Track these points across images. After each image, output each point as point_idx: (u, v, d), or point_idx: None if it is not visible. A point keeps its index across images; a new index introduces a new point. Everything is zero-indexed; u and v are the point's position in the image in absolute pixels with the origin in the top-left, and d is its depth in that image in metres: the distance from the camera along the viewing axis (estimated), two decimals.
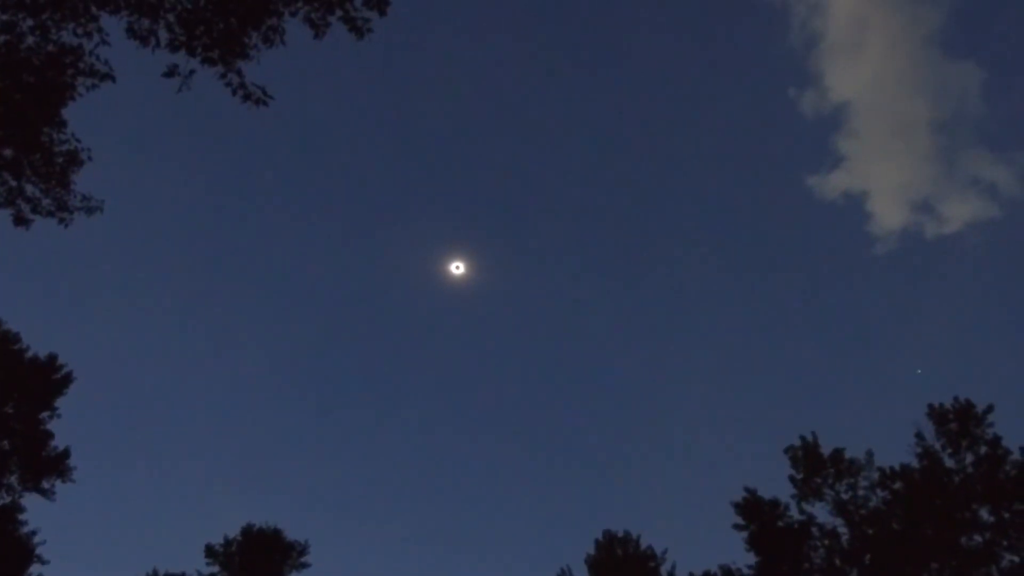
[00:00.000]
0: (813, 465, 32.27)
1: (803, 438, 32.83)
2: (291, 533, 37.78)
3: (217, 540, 37.25)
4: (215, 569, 36.50)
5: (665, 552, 35.24)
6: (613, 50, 75.12)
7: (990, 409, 30.56)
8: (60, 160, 13.99)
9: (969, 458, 30.33)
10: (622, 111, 77.16)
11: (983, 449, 30.10)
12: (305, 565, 37.68)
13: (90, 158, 14.24)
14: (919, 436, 31.31)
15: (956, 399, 31.06)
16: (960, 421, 30.59)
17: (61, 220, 14.61)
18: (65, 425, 36.34)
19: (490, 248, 79.19)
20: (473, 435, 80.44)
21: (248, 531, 37.48)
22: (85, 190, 14.62)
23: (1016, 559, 29.29)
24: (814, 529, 31.83)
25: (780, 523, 32.12)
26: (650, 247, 79.44)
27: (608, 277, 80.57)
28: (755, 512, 32.48)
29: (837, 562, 31.44)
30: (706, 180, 75.93)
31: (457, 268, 62.38)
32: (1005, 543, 29.60)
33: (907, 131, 69.63)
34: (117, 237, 73.19)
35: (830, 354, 70.90)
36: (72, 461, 31.06)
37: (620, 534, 36.42)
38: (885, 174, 72.28)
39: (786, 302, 74.21)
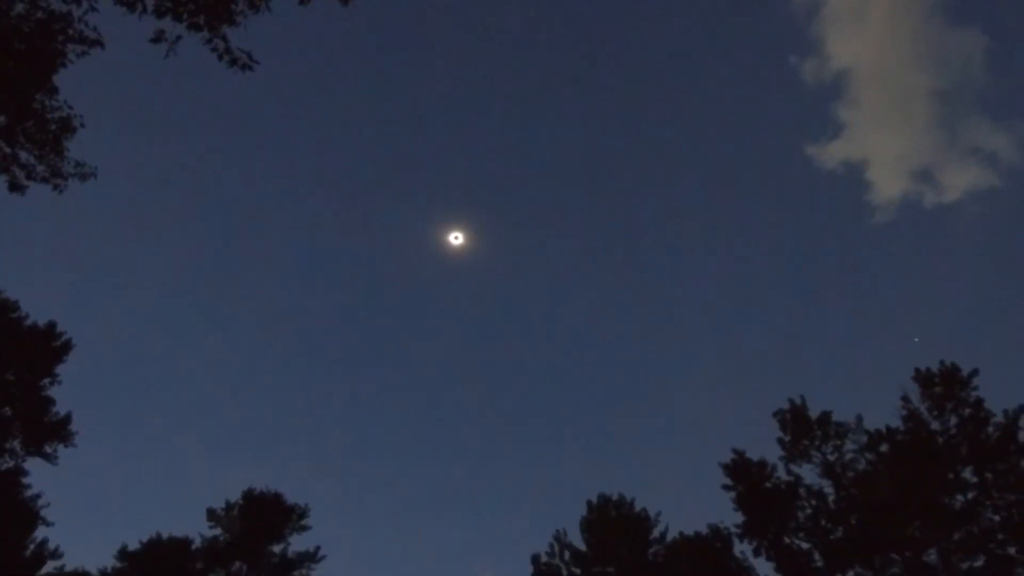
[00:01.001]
0: (800, 428, 32.90)
1: (791, 401, 33.46)
2: (291, 497, 38.57)
3: (218, 504, 38.05)
4: (217, 531, 37.28)
5: (658, 515, 36.02)
6: (611, 18, 74.58)
7: (975, 373, 31.13)
8: (53, 126, 14.23)
9: (953, 420, 30.93)
10: (621, 78, 76.88)
11: (967, 411, 30.68)
12: (305, 528, 38.49)
13: (82, 124, 14.47)
14: (905, 399, 31.92)
15: (942, 363, 31.62)
16: (945, 384, 31.15)
17: (55, 187, 14.89)
18: (66, 392, 36.96)
19: (489, 218, 79.43)
20: (471, 402, 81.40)
21: (249, 495, 38.21)
22: (78, 156, 14.90)
23: (997, 518, 30.01)
24: (801, 490, 32.54)
25: (767, 484, 32.83)
26: (648, 215, 79.64)
27: (606, 245, 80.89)
28: (743, 473, 33.17)
29: (823, 522, 32.17)
30: (705, 148, 75.90)
31: (456, 239, 62.67)
32: (987, 502, 30.32)
33: (908, 99, 69.42)
34: (112, 204, 73.30)
35: (826, 322, 71.53)
36: (74, 427, 31.69)
37: (614, 497, 37.11)
38: (885, 143, 72.19)
39: (783, 270, 74.60)
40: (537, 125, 79.81)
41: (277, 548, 37.64)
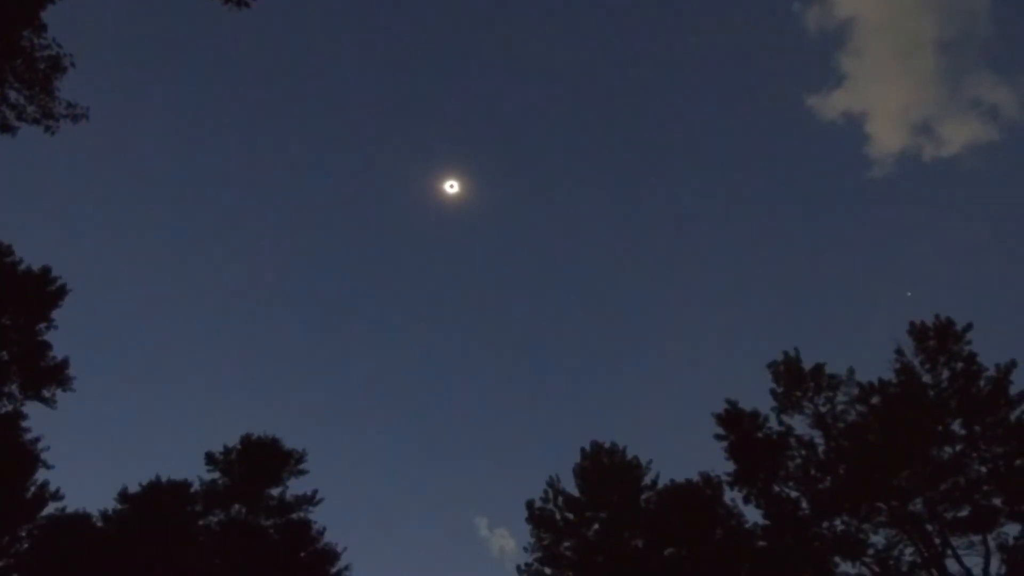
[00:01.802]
0: (794, 379, 33.22)
1: (786, 353, 33.72)
2: (289, 442, 39.05)
3: (217, 448, 38.52)
4: (216, 475, 37.84)
5: (650, 463, 36.56)
6: None
7: (969, 327, 31.31)
8: (42, 66, 13.90)
9: (945, 374, 31.22)
10: (620, 22, 75.39)
11: (959, 365, 30.95)
12: (302, 472, 39.04)
13: (73, 64, 14.18)
14: (899, 352, 32.18)
15: (937, 317, 31.79)
16: (939, 338, 31.37)
17: (47, 128, 14.63)
18: (63, 337, 37.08)
19: (485, 167, 78.71)
20: (466, 351, 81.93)
21: (247, 439, 38.68)
22: (70, 97, 14.60)
23: (984, 470, 30.54)
24: (792, 440, 33.01)
25: (759, 434, 33.28)
26: (645, 163, 79.04)
27: (603, 194, 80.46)
28: (735, 423, 33.61)
29: (812, 471, 32.72)
30: (705, 95, 74.95)
31: (452, 187, 62.18)
32: (974, 454, 30.80)
33: (912, 50, 68.29)
34: (106, 146, 72.41)
35: (821, 274, 71.64)
36: (71, 371, 31.82)
37: (607, 445, 37.62)
38: (887, 95, 71.26)
39: (780, 221, 74.43)
40: (535, 72, 78.59)
41: (275, 491, 38.25)
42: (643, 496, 35.64)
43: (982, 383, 30.50)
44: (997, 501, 29.62)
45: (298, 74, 78.59)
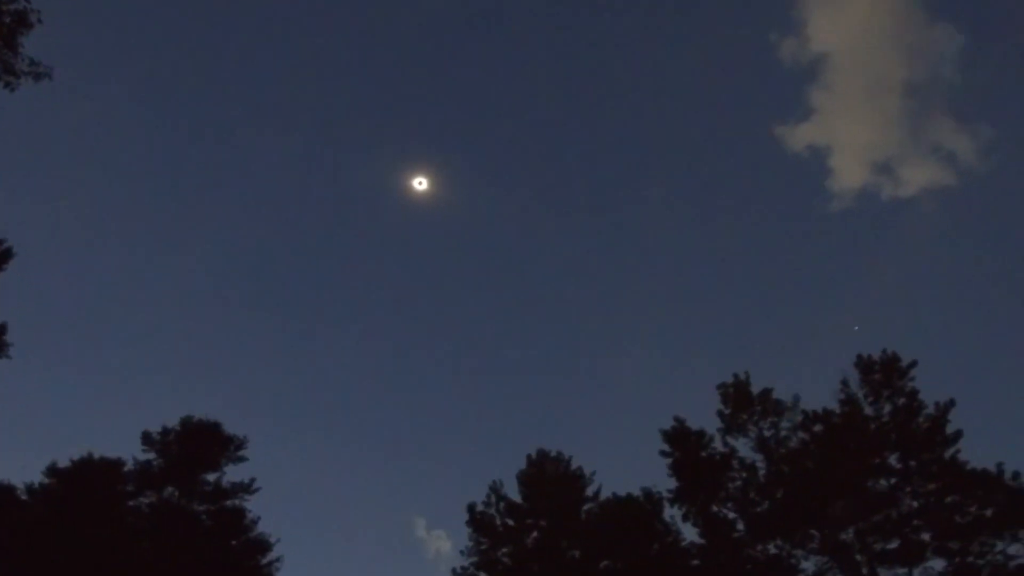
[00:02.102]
0: (741, 402, 33.75)
1: (736, 376, 34.25)
2: (231, 428, 38.16)
3: (155, 428, 37.45)
4: (151, 455, 36.75)
5: (593, 474, 36.72)
6: None
7: (913, 364, 32.17)
8: (8, 20, 13.36)
9: (887, 408, 32.03)
10: (596, 33, 75.86)
11: (901, 401, 31.78)
12: (242, 459, 38.13)
13: (40, 20, 13.64)
14: (844, 383, 32.89)
15: (884, 351, 32.57)
16: (884, 373, 32.16)
17: (7, 84, 14.05)
18: (2, 302, 35.61)
19: (455, 165, 78.33)
20: (419, 350, 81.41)
21: (187, 421, 37.66)
22: (33, 54, 14.04)
23: (915, 504, 31.38)
24: (735, 461, 33.52)
25: (703, 453, 33.71)
26: (613, 176, 79.56)
27: (570, 202, 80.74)
28: (681, 440, 34.00)
29: (752, 494, 33.25)
30: (676, 115, 75.73)
31: (420, 184, 61.63)
32: (908, 489, 31.65)
33: (880, 90, 70.12)
34: (65, 111, 70.05)
35: (775, 300, 72.96)
36: (8, 338, 30.56)
37: (553, 453, 37.69)
38: (852, 131, 72.96)
39: (739, 246, 75.55)
40: (508, 71, 78.48)
41: (211, 477, 37.33)
42: (584, 507, 35.80)
43: (921, 419, 31.37)
44: (926, 536, 30.45)
45: (264, 62, 77.20)
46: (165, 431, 37.47)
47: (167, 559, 33.25)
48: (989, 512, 29.25)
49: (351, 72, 78.19)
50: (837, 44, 72.53)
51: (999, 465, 29.77)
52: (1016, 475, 29.30)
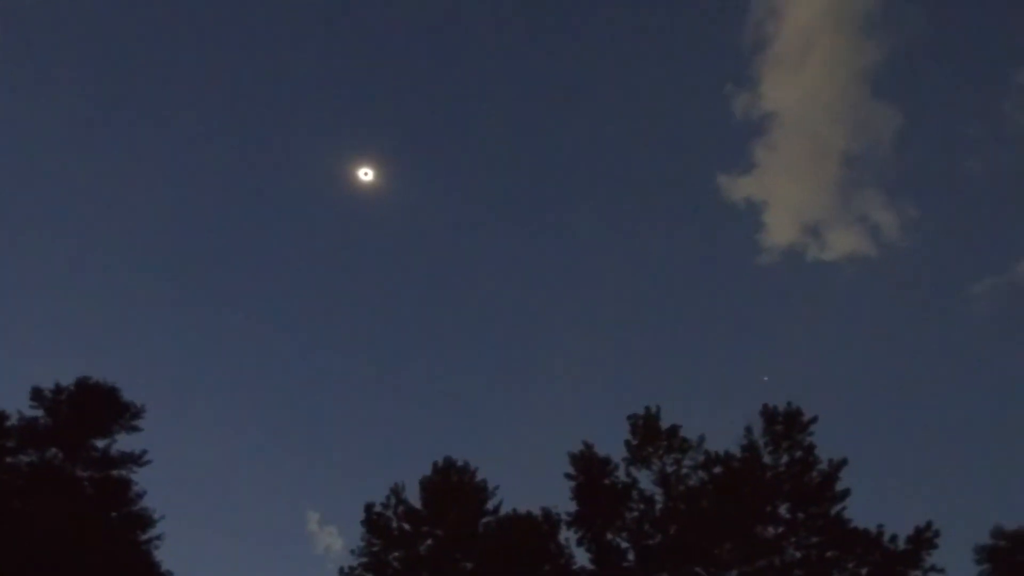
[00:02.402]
0: (649, 435, 34.41)
1: (647, 408, 34.91)
2: (129, 396, 36.63)
3: (48, 385, 35.63)
4: (39, 413, 34.91)
5: (496, 488, 36.63)
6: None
7: (814, 419, 33.45)
8: None
9: (785, 458, 33.20)
10: (556, 43, 76.51)
11: (798, 453, 33.02)
12: (136, 428, 36.60)
13: None
14: (748, 430, 33.93)
15: (788, 404, 33.75)
16: (786, 424, 33.36)
17: None
18: None
19: (403, 156, 77.32)
20: (337, 344, 79.88)
21: (83, 382, 35.96)
22: None
23: (798, 555, 32.58)
24: (635, 492, 34.11)
25: (607, 480, 34.20)
26: (554, 193, 79.76)
27: (510, 212, 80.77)
28: (587, 465, 34.41)
29: (646, 527, 33.88)
30: (626, 145, 77.02)
31: (366, 175, 60.68)
32: (792, 539, 32.85)
33: (820, 156, 73.08)
34: None
35: (694, 341, 74.44)
36: None
37: (460, 463, 37.49)
38: (788, 191, 75.70)
39: (668, 282, 77.10)
40: (462, 67, 77.97)
41: (101, 443, 35.74)
42: (483, 520, 35.72)
43: (814, 474, 32.65)
44: None
45: (199, 45, 74.74)
46: (58, 389, 35.69)
47: (39, 522, 31.54)
48: (864, 571, 30.64)
49: (302, 54, 76.61)
50: (787, 106, 75.22)
51: (879, 527, 31.26)
52: (893, 538, 30.82)
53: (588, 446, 34.95)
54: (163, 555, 34.70)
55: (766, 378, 61.37)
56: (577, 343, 73.11)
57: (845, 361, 68.12)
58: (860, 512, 32.52)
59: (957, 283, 68.25)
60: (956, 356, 67.09)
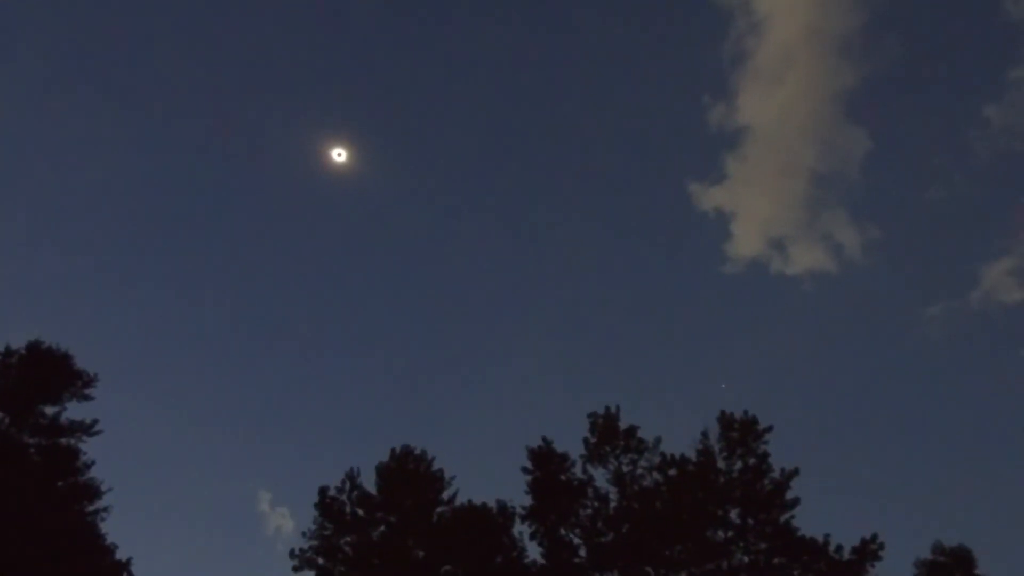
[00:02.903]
0: (607, 434, 34.70)
1: (607, 408, 35.20)
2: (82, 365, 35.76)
3: None
4: None
5: (453, 478, 36.54)
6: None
7: (769, 429, 34.00)
8: None
9: (738, 465, 33.72)
10: (539, 36, 76.67)
11: (752, 461, 33.55)
12: (88, 397, 35.73)
13: None
14: (704, 435, 34.40)
15: (745, 412, 34.28)
16: (742, 432, 33.85)
17: None
18: None
19: (378, 137, 76.71)
20: (304, 321, 79.23)
21: (35, 346, 34.99)
22: None
23: (746, 559, 33.14)
24: (589, 490, 34.36)
25: (563, 476, 34.39)
26: (528, 188, 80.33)
27: (482, 202, 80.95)
28: (544, 461, 34.57)
29: (599, 524, 34.14)
30: (602, 147, 77.58)
31: (339, 155, 59.98)
32: (741, 544, 33.39)
33: (789, 172, 74.51)
34: None
35: (656, 344, 75.29)
36: None
37: (417, 451, 37.32)
38: (756, 204, 77.18)
39: (633, 285, 77.91)
40: (442, 52, 77.68)
41: (50, 410, 34.86)
42: (438, 509, 35.63)
43: (767, 482, 33.20)
44: None
45: (171, 18, 73.18)
46: (8, 352, 34.68)
47: None
48: None
49: (276, 32, 75.40)
50: (759, 120, 76.69)
51: (826, 536, 31.94)
52: (839, 548, 31.52)
53: (547, 441, 35.15)
54: (108, 527, 33.98)
55: (724, 385, 62.31)
56: (540, 339, 73.56)
57: (801, 373, 69.62)
58: (808, 522, 33.24)
59: (913, 305, 70.24)
60: (908, 375, 69.08)
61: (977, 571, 38.40)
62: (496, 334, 77.03)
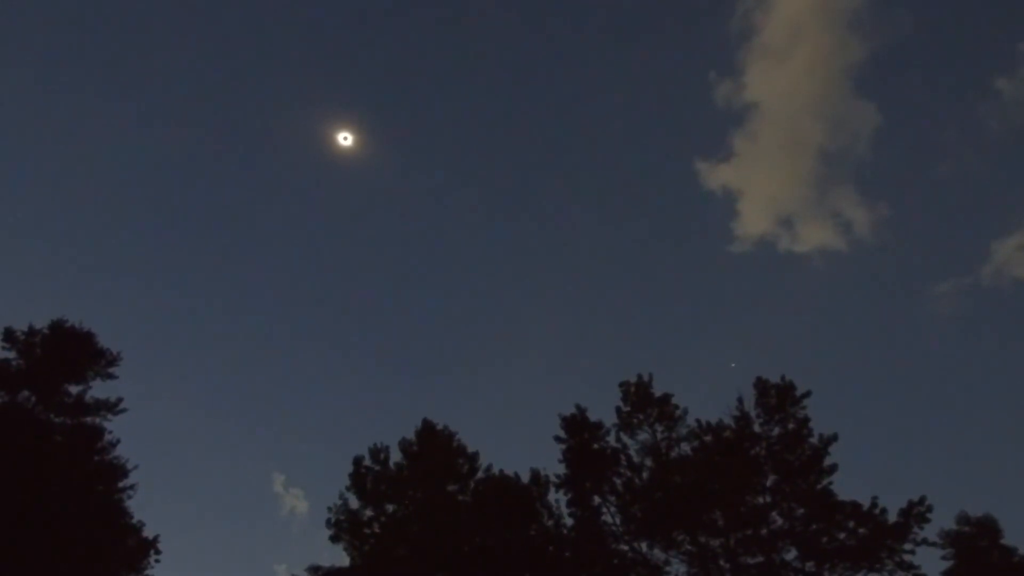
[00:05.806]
0: (641, 402, 34.06)
1: (640, 375, 34.59)
2: (105, 342, 35.33)
3: (22, 326, 34.20)
4: (11, 354, 33.52)
5: (476, 453, 36.08)
6: None
7: (808, 394, 33.19)
8: None
9: (776, 431, 33.01)
10: (542, 24, 75.85)
11: (791, 426, 32.80)
12: (112, 376, 35.35)
13: None
14: (740, 401, 33.67)
15: (783, 378, 33.50)
16: (780, 397, 33.10)
17: None
18: None
19: (384, 120, 76.06)
20: (320, 304, 79.01)
21: (58, 325, 34.60)
22: None
23: (783, 524, 32.52)
24: (623, 458, 33.78)
25: (596, 445, 33.82)
26: (539, 169, 79.76)
27: (492, 183, 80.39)
28: (578, 429, 33.99)
29: (634, 492, 33.59)
30: (608, 127, 76.91)
31: (345, 139, 59.35)
32: (779, 510, 32.78)
33: (798, 149, 73.66)
34: None
35: (668, 320, 74.90)
36: None
37: (440, 427, 36.89)
38: (764, 182, 76.29)
39: (645, 262, 77.38)
40: (440, 26, 76.85)
41: (75, 389, 34.46)
42: (464, 483, 35.14)
43: (805, 448, 32.49)
44: (789, 556, 31.62)
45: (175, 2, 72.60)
46: (32, 331, 34.30)
47: (7, 464, 30.29)
48: (853, 542, 30.63)
49: (282, 15, 74.67)
50: (767, 98, 75.77)
51: (874, 499, 31.19)
52: (884, 511, 30.81)
53: (581, 409, 34.53)
54: (133, 506, 33.65)
55: (733, 364, 61.71)
56: (561, 318, 73.07)
57: (811, 351, 68.95)
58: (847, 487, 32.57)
59: (922, 282, 69.42)
60: (918, 353, 68.31)
61: (1003, 540, 37.93)
62: (518, 309, 76.73)
